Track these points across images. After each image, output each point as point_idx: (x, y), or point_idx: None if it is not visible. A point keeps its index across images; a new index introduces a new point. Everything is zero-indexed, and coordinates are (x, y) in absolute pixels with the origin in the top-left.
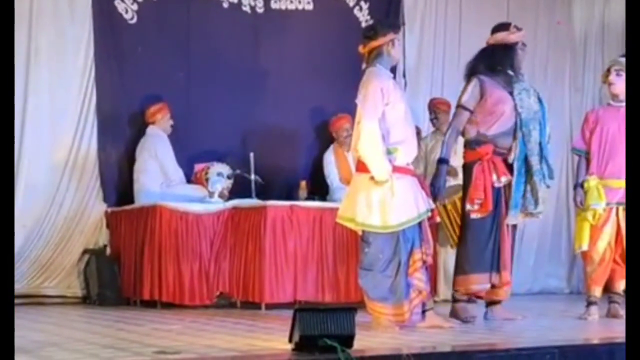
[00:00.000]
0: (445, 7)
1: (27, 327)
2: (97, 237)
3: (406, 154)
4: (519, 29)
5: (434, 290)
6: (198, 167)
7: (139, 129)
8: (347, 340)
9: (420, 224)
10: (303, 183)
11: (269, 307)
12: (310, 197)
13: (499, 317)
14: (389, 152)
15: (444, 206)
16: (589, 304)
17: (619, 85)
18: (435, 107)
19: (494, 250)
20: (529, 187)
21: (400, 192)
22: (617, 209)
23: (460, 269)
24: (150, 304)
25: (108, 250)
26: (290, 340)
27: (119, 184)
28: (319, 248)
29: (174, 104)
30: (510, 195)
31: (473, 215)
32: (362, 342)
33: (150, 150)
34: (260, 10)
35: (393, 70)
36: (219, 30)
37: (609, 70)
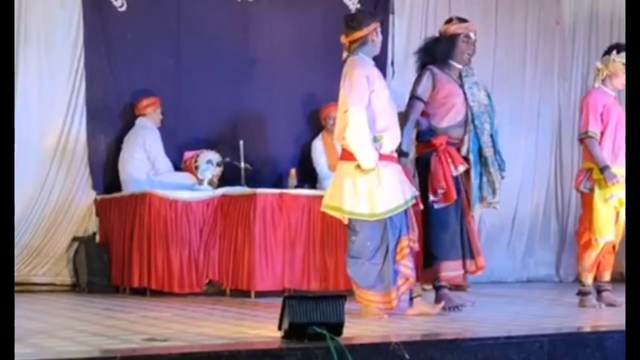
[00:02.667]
0: None
1: (16, 315)
2: (86, 225)
3: (391, 141)
4: (461, 21)
5: (421, 277)
6: (188, 154)
7: (129, 117)
8: (336, 328)
9: (406, 211)
10: (293, 171)
11: (259, 294)
12: (299, 185)
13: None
14: (375, 140)
15: None
16: (585, 293)
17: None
18: None
19: (463, 236)
20: (485, 179)
21: (386, 180)
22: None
23: (432, 258)
24: (140, 292)
25: (97, 238)
26: (279, 328)
27: (108, 172)
28: (308, 236)
29: (163, 92)
30: (470, 184)
31: (436, 206)
32: (351, 329)
33: (139, 141)
34: None
35: (376, 59)
36: (209, 18)
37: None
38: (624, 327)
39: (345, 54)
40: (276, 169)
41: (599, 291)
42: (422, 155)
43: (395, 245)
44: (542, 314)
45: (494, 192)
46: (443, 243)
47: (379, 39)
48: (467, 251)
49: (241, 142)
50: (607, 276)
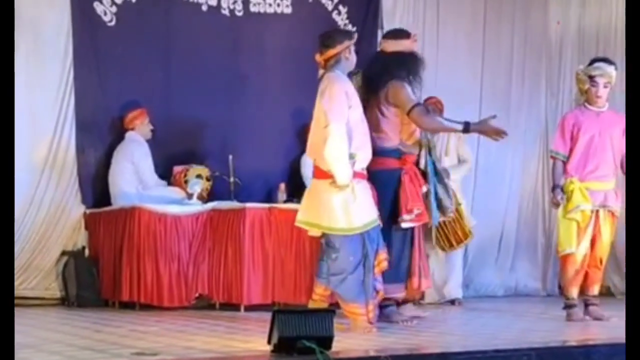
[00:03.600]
0: (423, 12)
1: None
2: (75, 239)
3: (363, 159)
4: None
5: (421, 294)
6: (177, 169)
7: (118, 131)
8: (326, 341)
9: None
10: (282, 185)
11: (248, 308)
12: (289, 199)
13: (409, 315)
14: (350, 157)
15: None
16: (570, 306)
17: (604, 96)
18: (434, 106)
19: (410, 258)
20: (441, 190)
21: (360, 195)
22: (597, 212)
23: (384, 278)
24: (129, 306)
25: (87, 252)
26: (269, 342)
27: (97, 186)
28: (298, 250)
29: (153, 106)
30: (429, 201)
31: (405, 225)
32: (340, 343)
33: (127, 156)
34: (239, 13)
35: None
36: (198, 33)
37: (592, 78)
38: (610, 341)
39: (320, 72)
40: (266, 183)
41: (586, 305)
42: (385, 171)
43: (374, 258)
44: (530, 328)
45: (451, 202)
46: (391, 264)
47: (352, 56)
48: (409, 272)
49: (230, 157)
50: (594, 290)
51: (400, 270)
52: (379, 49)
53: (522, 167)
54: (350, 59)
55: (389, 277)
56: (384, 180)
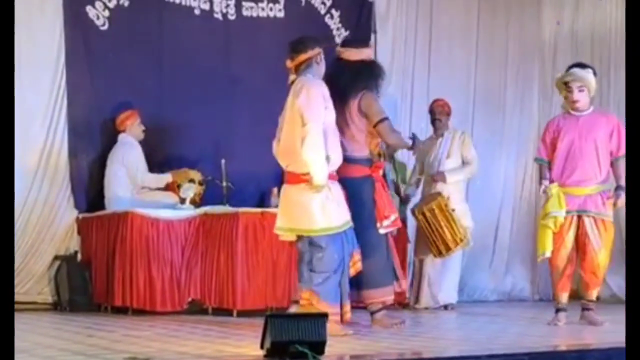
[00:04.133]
0: (416, 15)
1: None
2: (68, 243)
3: (336, 161)
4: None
5: (416, 298)
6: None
7: (111, 135)
8: (318, 346)
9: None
10: (275, 190)
11: (241, 313)
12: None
13: (387, 324)
14: (326, 158)
15: (423, 214)
16: (558, 310)
17: (584, 99)
18: (440, 108)
19: (391, 261)
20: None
21: (337, 195)
22: (580, 217)
23: (375, 282)
24: (122, 310)
25: (79, 257)
26: (261, 347)
27: (90, 190)
28: (290, 254)
29: (145, 110)
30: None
31: (383, 230)
32: (333, 348)
33: (119, 159)
34: (231, 17)
35: None
36: (191, 37)
37: (567, 85)
38: (604, 346)
39: (291, 77)
40: (258, 187)
41: (582, 309)
42: (360, 178)
43: (349, 259)
44: (523, 332)
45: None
46: (384, 268)
47: (322, 63)
48: (394, 274)
49: (223, 161)
50: (591, 295)
51: (388, 274)
52: (339, 57)
53: (515, 170)
54: (321, 65)
55: (377, 281)
56: (360, 187)
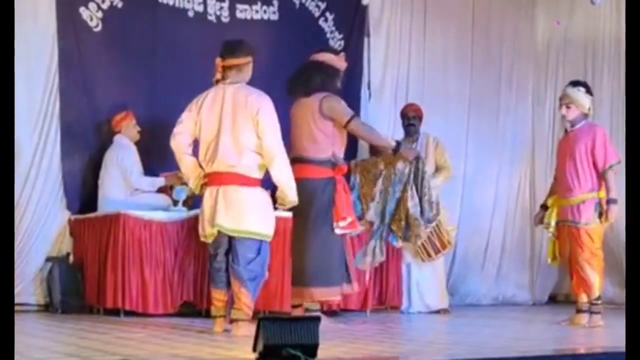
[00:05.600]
0: (410, 18)
1: None
2: (60, 245)
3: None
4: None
5: (408, 303)
6: (163, 175)
7: (104, 137)
8: (311, 349)
9: None
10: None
11: None
12: (274, 206)
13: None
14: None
15: None
16: (576, 310)
17: (571, 115)
18: (414, 113)
19: (344, 262)
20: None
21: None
22: (569, 227)
23: (317, 281)
24: (114, 312)
25: (71, 258)
26: (254, 350)
27: (82, 192)
28: (282, 257)
29: (138, 112)
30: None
31: (340, 231)
32: (325, 351)
33: (113, 160)
34: (225, 19)
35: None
36: (185, 39)
37: (560, 102)
38: (598, 350)
39: (218, 76)
40: None
41: (583, 311)
42: (320, 180)
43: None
44: (517, 336)
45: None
46: (332, 268)
47: (249, 72)
48: (346, 276)
49: None
50: (583, 299)
51: (336, 275)
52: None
53: (509, 175)
54: (248, 73)
55: (320, 280)
56: (318, 188)
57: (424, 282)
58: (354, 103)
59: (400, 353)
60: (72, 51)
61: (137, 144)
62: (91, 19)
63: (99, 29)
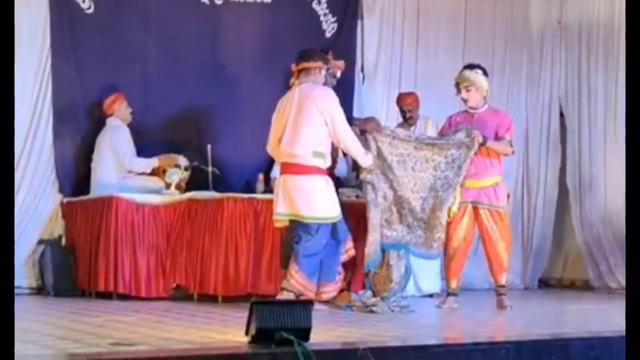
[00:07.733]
0: (403, 2)
1: None
2: (52, 228)
3: (329, 160)
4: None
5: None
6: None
7: (97, 119)
8: (304, 333)
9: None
10: (261, 176)
11: (226, 299)
12: (268, 190)
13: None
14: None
15: None
16: (448, 294)
17: (472, 99)
18: (411, 106)
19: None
20: None
21: (332, 189)
22: (475, 208)
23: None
24: (106, 295)
25: (63, 241)
26: (246, 333)
27: (74, 174)
28: (275, 241)
29: (131, 95)
30: None
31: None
32: (318, 335)
33: (106, 142)
34: (218, 2)
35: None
36: (177, 22)
37: (458, 85)
38: (587, 335)
39: (292, 80)
40: (244, 173)
41: (496, 294)
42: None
43: (344, 245)
44: (508, 321)
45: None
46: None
47: (322, 76)
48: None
49: (209, 147)
50: (501, 280)
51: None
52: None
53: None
54: (321, 77)
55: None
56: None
57: (418, 266)
58: (347, 86)
59: (393, 336)
60: (65, 33)
61: (129, 126)
62: (83, 1)
63: (91, 10)
